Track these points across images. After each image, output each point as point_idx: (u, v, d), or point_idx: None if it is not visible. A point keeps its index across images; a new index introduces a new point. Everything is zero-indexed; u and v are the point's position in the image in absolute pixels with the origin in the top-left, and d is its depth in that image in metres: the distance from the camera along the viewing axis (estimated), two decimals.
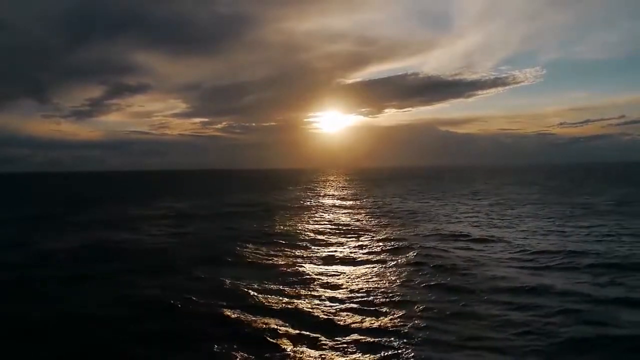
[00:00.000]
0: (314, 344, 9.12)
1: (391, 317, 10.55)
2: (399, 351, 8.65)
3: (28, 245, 21.54)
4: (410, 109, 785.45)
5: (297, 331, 9.75)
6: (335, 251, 18.93)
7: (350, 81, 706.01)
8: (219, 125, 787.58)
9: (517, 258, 16.55)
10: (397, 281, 13.75)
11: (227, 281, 13.97)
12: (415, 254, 17.24)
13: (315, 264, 16.79)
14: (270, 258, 17.83)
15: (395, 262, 16.38)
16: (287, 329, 9.91)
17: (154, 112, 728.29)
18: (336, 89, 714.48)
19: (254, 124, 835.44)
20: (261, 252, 18.99)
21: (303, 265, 16.49)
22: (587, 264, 15.07)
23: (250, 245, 20.26)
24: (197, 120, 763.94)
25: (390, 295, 12.26)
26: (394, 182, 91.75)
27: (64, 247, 20.73)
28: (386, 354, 8.55)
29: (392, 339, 9.24)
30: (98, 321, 10.69)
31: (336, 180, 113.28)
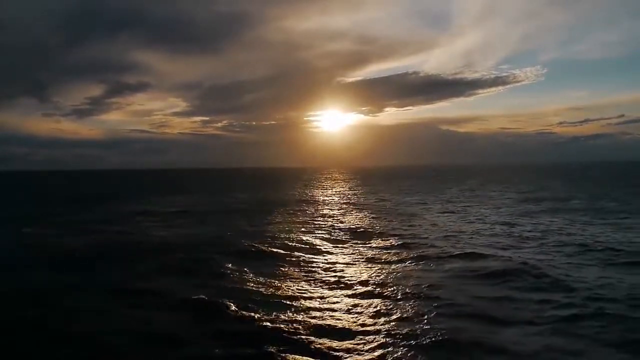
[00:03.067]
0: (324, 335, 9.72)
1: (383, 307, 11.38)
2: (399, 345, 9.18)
3: (29, 244, 21.74)
4: (410, 107, 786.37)
5: (300, 322, 10.45)
6: (334, 248, 19.92)
7: (350, 80, 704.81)
8: (219, 124, 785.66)
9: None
10: (383, 272, 14.54)
11: (234, 277, 14.77)
12: (411, 251, 18.30)
13: (317, 257, 18.05)
14: (269, 254, 18.69)
15: (378, 254, 17.34)
16: (291, 321, 10.55)
17: (154, 111, 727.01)
18: (336, 87, 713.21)
19: (254, 123, 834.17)
20: (262, 248, 19.66)
21: (300, 259, 17.40)
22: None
23: (252, 241, 20.89)
24: (197, 119, 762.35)
25: (382, 286, 13.15)
26: (391, 182, 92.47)
27: (65, 246, 20.94)
28: (386, 348, 9.08)
29: (386, 331, 9.89)
30: (104, 321, 10.80)
31: (335, 179, 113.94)
